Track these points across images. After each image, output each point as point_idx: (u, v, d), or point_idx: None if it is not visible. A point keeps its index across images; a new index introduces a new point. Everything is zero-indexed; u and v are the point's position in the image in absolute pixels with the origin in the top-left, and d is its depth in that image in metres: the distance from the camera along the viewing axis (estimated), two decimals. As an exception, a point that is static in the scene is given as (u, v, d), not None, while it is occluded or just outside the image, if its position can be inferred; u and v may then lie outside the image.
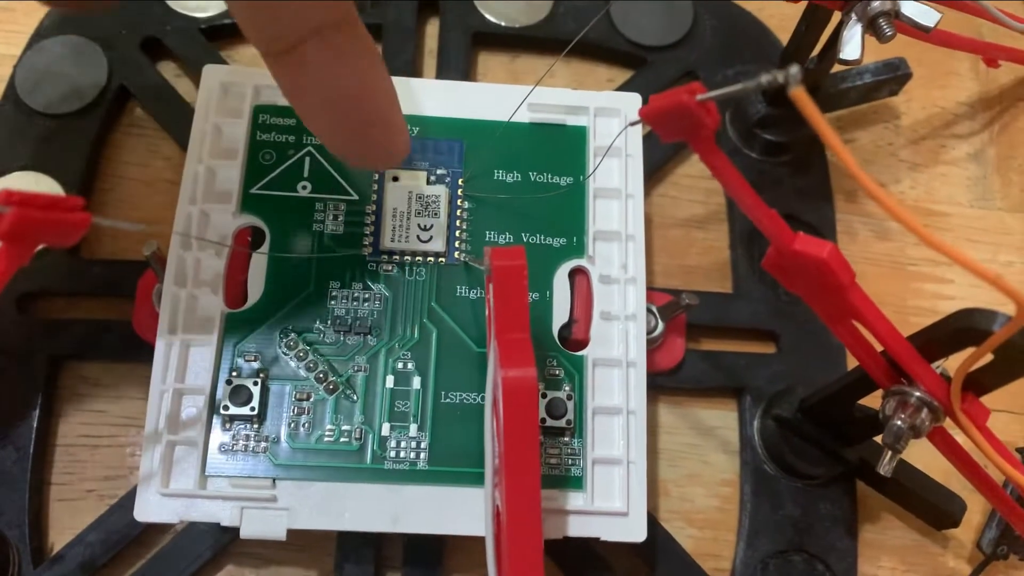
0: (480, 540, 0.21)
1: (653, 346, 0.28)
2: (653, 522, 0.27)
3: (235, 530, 0.23)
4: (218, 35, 0.32)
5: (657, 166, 0.31)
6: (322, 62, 0.18)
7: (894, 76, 0.31)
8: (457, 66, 0.32)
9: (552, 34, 0.33)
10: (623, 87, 0.32)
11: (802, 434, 0.27)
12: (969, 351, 0.19)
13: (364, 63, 0.19)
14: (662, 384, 0.28)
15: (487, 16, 0.32)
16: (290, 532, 0.23)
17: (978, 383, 0.20)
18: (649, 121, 0.19)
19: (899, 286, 0.31)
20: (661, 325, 0.28)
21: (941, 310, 0.30)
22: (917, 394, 0.21)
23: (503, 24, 0.33)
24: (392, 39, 0.32)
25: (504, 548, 0.19)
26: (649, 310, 0.27)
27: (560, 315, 0.25)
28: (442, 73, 0.32)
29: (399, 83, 0.26)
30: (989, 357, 0.19)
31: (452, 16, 0.32)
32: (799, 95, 0.15)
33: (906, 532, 0.28)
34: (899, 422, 0.21)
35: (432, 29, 0.33)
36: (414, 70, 0.32)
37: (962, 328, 0.20)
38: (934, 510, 0.27)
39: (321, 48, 0.18)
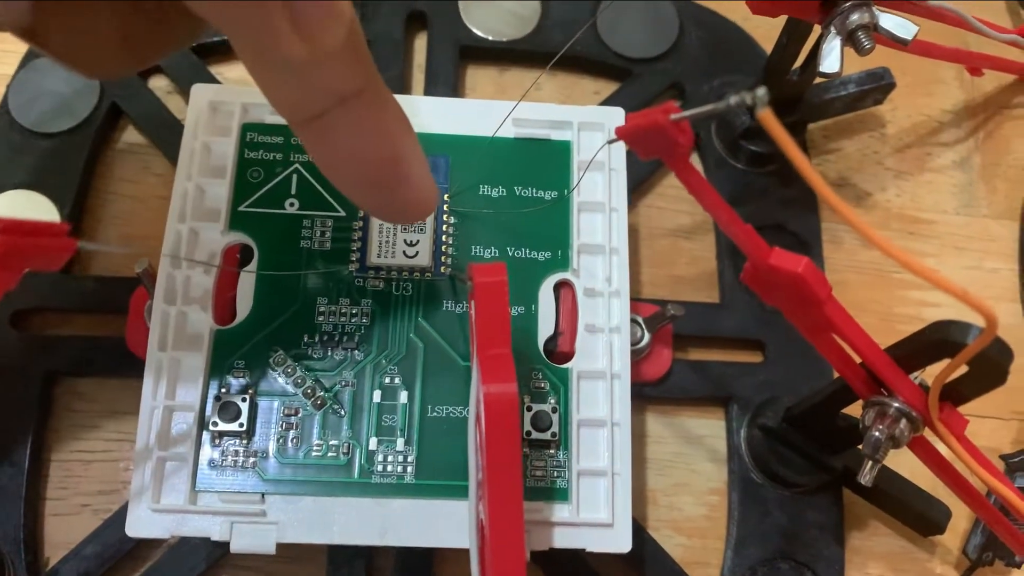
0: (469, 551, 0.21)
1: (640, 356, 0.28)
2: (641, 531, 0.27)
3: (226, 544, 0.23)
4: (208, 52, 0.32)
5: (643, 177, 0.32)
6: (346, 129, 0.18)
7: (878, 86, 0.31)
8: (445, 80, 0.32)
9: (539, 47, 0.33)
10: (609, 99, 0.32)
11: (788, 443, 0.27)
12: (946, 362, 0.20)
13: (388, 127, 0.19)
14: (649, 394, 0.29)
15: (474, 30, 0.33)
16: (280, 545, 0.23)
17: (955, 393, 0.21)
18: (626, 140, 0.19)
19: (885, 294, 0.31)
20: (647, 336, 0.28)
21: (926, 317, 0.31)
22: (896, 405, 0.21)
23: (490, 38, 0.33)
24: (380, 54, 0.32)
25: (488, 561, 0.19)
26: (635, 321, 0.28)
27: (545, 328, 0.25)
28: (430, 87, 0.32)
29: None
30: (965, 368, 0.20)
31: (440, 30, 0.33)
32: (766, 117, 0.16)
33: (893, 539, 0.28)
34: (877, 432, 0.21)
35: (420, 43, 0.33)
36: (403, 84, 0.32)
37: (937, 340, 0.20)
38: (919, 517, 0.27)
39: (345, 115, 0.18)
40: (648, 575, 0.27)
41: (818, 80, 0.29)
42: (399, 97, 0.27)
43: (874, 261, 0.31)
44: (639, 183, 0.32)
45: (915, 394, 0.21)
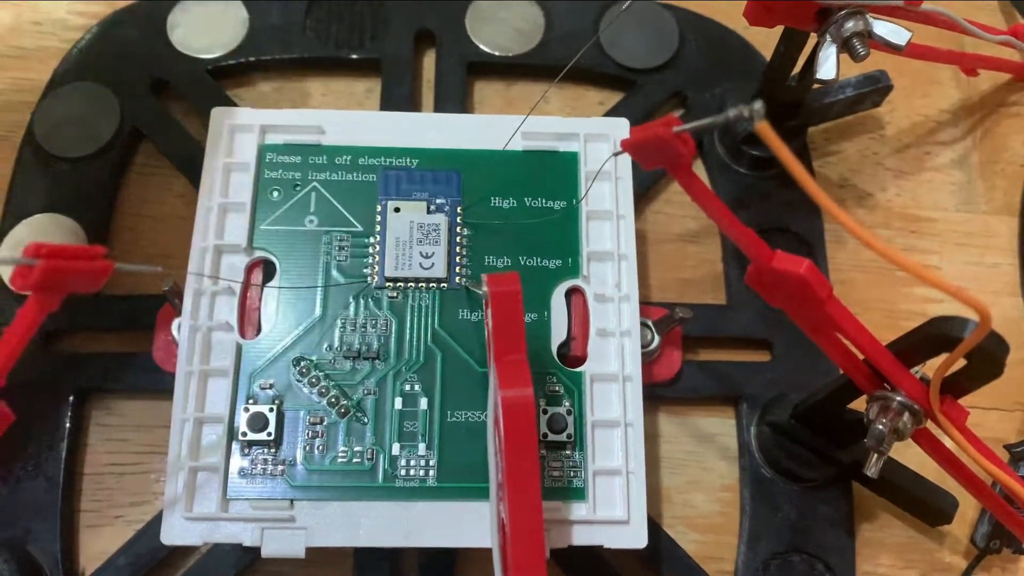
0: (491, 551, 0.22)
1: (651, 359, 0.29)
2: (656, 528, 0.28)
3: (257, 550, 0.24)
4: (224, 75, 0.33)
5: (650, 184, 0.33)
6: None
7: (875, 88, 0.32)
8: (454, 96, 0.33)
9: (544, 61, 0.34)
10: (614, 110, 0.33)
11: (796, 439, 0.28)
12: (945, 356, 0.20)
13: None
14: (661, 394, 0.30)
15: (481, 46, 0.34)
16: (309, 550, 0.24)
17: (955, 386, 0.21)
18: (630, 152, 0.20)
19: (889, 291, 0.32)
20: (657, 338, 0.29)
21: (930, 313, 0.31)
22: (898, 399, 0.22)
23: (497, 54, 0.34)
24: (391, 72, 0.33)
25: (509, 559, 0.20)
26: (645, 324, 0.29)
27: (558, 333, 0.26)
28: (440, 103, 0.33)
29: (397, 118, 0.28)
30: (964, 361, 0.21)
31: (448, 48, 0.34)
32: (763, 129, 0.17)
33: (903, 530, 0.29)
34: (880, 426, 0.22)
35: (429, 61, 0.34)
36: (413, 101, 0.33)
37: (936, 335, 0.21)
38: (927, 508, 0.28)
39: None
40: (664, 571, 0.27)
41: (816, 85, 0.30)
42: (410, 115, 0.28)
43: (877, 260, 0.32)
44: (646, 190, 0.32)
45: (916, 388, 0.22)
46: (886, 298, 0.32)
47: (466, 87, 0.34)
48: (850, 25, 0.25)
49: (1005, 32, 0.31)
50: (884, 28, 0.25)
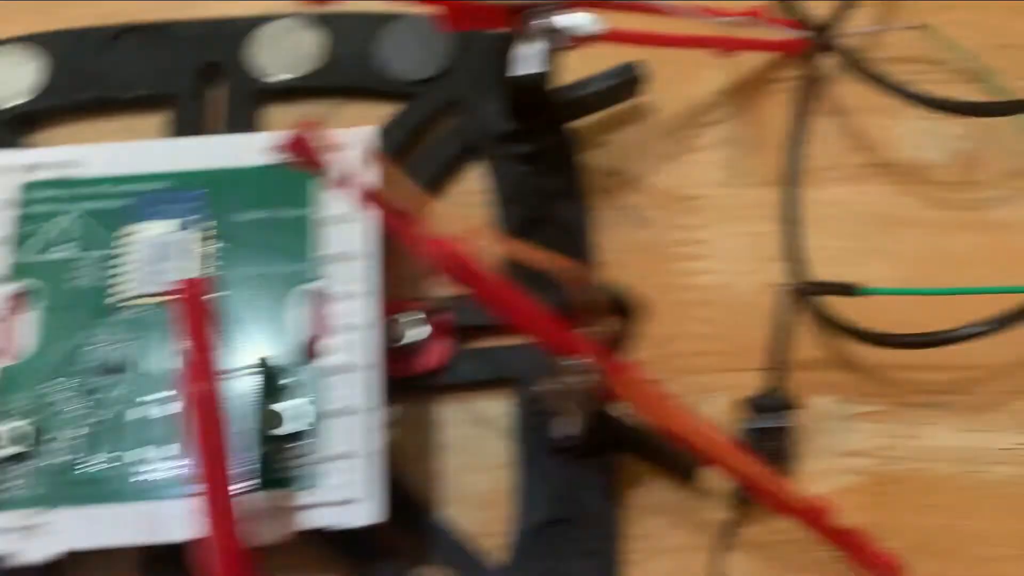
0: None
1: (419, 349, 0.31)
2: (421, 509, 0.29)
3: (60, 562, 0.26)
4: (23, 122, 0.35)
5: (434, 184, 0.34)
6: None
7: (626, 79, 0.34)
8: (245, 123, 0.35)
9: (330, 81, 0.36)
10: (391, 122, 0.35)
11: (553, 412, 0.29)
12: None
13: None
14: (437, 383, 0.31)
15: (267, 72, 0.36)
16: (92, 553, 0.26)
17: (610, 342, 0.23)
18: (287, 160, 0.22)
19: (661, 268, 0.34)
20: (425, 329, 0.31)
21: (697, 284, 0.33)
22: (569, 361, 0.23)
23: (283, 78, 0.36)
24: (181, 107, 0.35)
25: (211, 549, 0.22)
26: (409, 319, 0.30)
27: (299, 333, 0.28)
28: (232, 131, 0.35)
29: (151, 146, 0.30)
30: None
31: (234, 77, 0.36)
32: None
33: (672, 491, 0.30)
34: (547, 386, 0.23)
35: (220, 93, 0.36)
36: (206, 132, 0.35)
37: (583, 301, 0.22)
38: (675, 466, 0.29)
39: None
40: (437, 550, 0.29)
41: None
42: (162, 142, 0.31)
43: (643, 241, 0.34)
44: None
45: (581, 347, 0.23)
46: (659, 275, 0.34)
47: (257, 113, 0.36)
48: (537, 22, 0.27)
49: (741, 14, 0.33)
50: (566, 20, 0.27)
